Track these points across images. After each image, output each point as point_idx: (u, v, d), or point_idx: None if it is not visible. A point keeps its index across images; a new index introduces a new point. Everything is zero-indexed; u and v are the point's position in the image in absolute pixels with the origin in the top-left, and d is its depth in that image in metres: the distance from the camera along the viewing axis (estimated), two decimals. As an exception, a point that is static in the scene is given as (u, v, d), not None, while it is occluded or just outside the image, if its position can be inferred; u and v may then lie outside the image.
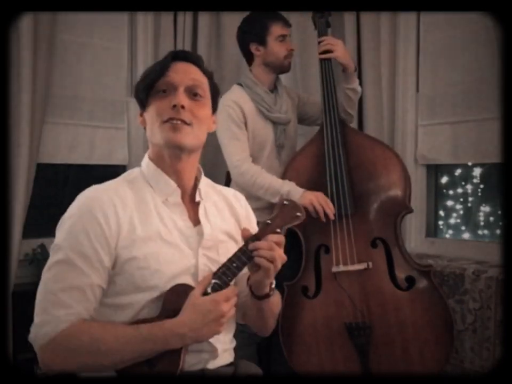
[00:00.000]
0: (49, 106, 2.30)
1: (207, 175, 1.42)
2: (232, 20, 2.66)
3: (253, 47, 2.31)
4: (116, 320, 1.19)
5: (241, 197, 1.47)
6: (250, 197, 2.25)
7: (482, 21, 2.18)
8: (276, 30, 2.27)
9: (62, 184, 2.62)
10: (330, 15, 2.32)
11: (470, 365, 2.20)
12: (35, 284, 2.31)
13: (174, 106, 1.22)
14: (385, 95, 2.61)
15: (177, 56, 1.29)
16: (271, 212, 2.21)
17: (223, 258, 1.27)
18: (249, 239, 1.23)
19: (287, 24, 2.30)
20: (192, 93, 1.26)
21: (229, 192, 1.46)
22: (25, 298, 2.08)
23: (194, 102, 1.26)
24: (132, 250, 1.18)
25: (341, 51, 2.20)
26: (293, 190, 2.13)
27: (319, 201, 2.08)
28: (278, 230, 1.25)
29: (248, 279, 1.31)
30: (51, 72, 2.28)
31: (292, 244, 2.14)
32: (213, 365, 1.26)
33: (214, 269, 1.26)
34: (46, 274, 1.17)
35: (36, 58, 2.14)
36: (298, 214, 1.27)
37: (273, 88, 2.36)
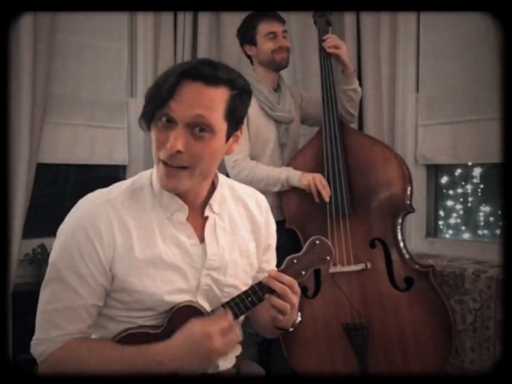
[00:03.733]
0: (49, 106, 2.30)
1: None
2: (232, 20, 2.66)
3: (246, 48, 2.35)
4: (115, 331, 1.17)
5: (263, 203, 1.35)
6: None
7: (482, 21, 2.18)
8: (263, 28, 2.28)
9: (62, 184, 2.61)
10: (331, 13, 2.32)
11: (470, 365, 2.20)
12: (35, 284, 2.31)
13: (167, 148, 1.07)
14: (385, 95, 2.61)
15: (187, 74, 1.07)
16: (277, 211, 2.25)
17: (230, 279, 1.23)
18: (271, 275, 1.17)
19: (276, 20, 2.29)
20: (197, 128, 1.08)
21: (251, 197, 1.34)
22: (25, 298, 2.08)
23: (196, 140, 1.08)
24: (129, 272, 1.13)
25: (345, 50, 2.22)
26: (290, 175, 2.16)
27: (315, 182, 2.10)
28: (303, 272, 1.18)
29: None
30: (51, 72, 2.28)
31: (292, 243, 2.14)
32: (213, 370, 1.24)
33: (217, 290, 1.22)
34: (43, 292, 1.16)
35: (35, 58, 2.14)
36: (327, 257, 1.19)
37: (277, 87, 2.37)
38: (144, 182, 1.21)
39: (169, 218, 1.19)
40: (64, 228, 1.16)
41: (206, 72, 1.08)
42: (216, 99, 1.09)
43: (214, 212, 1.23)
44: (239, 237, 1.28)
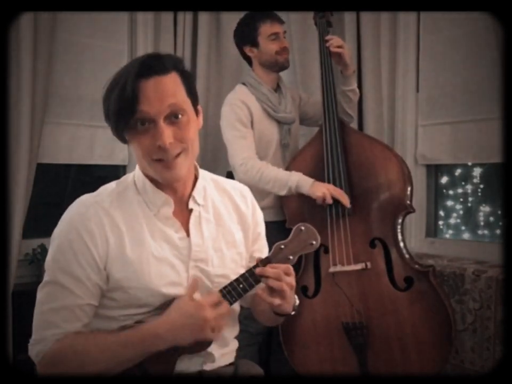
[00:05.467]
0: (49, 106, 2.30)
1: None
2: (232, 20, 2.66)
3: (247, 50, 2.33)
4: (112, 330, 1.18)
5: (248, 194, 1.41)
6: (255, 196, 2.26)
7: (482, 21, 2.18)
8: (265, 29, 2.27)
9: (62, 184, 2.62)
10: (332, 15, 2.32)
11: (470, 365, 2.20)
12: (35, 284, 2.31)
13: (159, 146, 1.13)
14: (385, 95, 2.61)
15: (141, 75, 1.12)
16: (276, 211, 2.26)
17: (219, 270, 1.26)
18: (260, 261, 1.22)
19: (277, 21, 2.29)
20: (173, 116, 1.14)
21: (235, 188, 1.39)
22: (25, 298, 2.08)
23: (177, 126, 1.15)
24: (122, 270, 1.16)
25: (348, 51, 2.22)
26: (301, 181, 2.11)
27: (331, 192, 2.06)
28: (291, 257, 1.23)
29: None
30: (51, 72, 2.28)
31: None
32: (210, 366, 1.26)
33: (207, 281, 1.24)
34: (39, 294, 1.18)
35: (35, 58, 2.14)
36: (313, 242, 1.24)
37: (276, 88, 2.36)
38: (128, 183, 1.26)
39: (156, 215, 1.22)
40: (58, 231, 1.19)
41: (155, 64, 1.14)
42: (174, 83, 1.15)
43: (198, 204, 1.27)
44: (224, 227, 1.31)
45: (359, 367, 2.02)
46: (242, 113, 2.21)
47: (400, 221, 2.10)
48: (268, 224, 2.27)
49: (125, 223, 1.19)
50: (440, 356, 1.97)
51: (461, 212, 2.60)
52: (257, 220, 1.41)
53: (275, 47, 2.27)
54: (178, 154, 1.15)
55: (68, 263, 1.14)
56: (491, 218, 2.49)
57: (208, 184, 1.33)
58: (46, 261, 1.19)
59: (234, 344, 1.35)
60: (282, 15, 2.36)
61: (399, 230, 2.08)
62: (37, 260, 2.28)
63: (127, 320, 1.18)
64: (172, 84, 1.15)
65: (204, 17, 2.67)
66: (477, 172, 2.55)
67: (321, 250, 2.12)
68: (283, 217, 2.24)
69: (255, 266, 1.22)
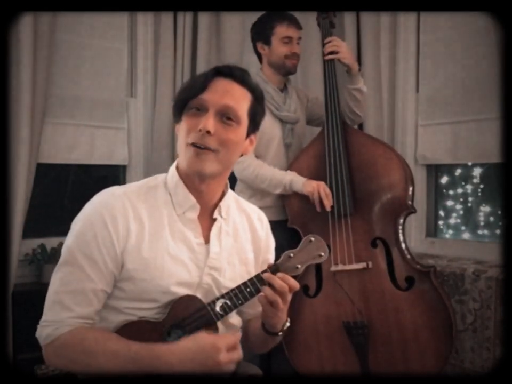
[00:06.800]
0: (49, 106, 2.30)
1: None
2: (232, 20, 2.66)
3: (259, 46, 2.34)
4: (117, 322, 1.19)
5: (264, 219, 1.45)
6: (255, 195, 2.27)
7: (482, 21, 2.19)
8: (281, 30, 2.27)
9: (62, 184, 2.62)
10: (335, 15, 2.32)
11: (470, 365, 2.20)
12: (35, 284, 2.31)
13: (200, 130, 1.18)
14: (385, 95, 2.61)
15: (221, 72, 1.23)
16: (276, 211, 2.26)
17: (229, 282, 1.27)
18: (270, 267, 1.24)
19: (295, 25, 2.29)
20: (225, 116, 1.20)
21: (253, 211, 1.43)
22: (25, 298, 2.09)
23: (224, 127, 1.20)
24: (137, 261, 1.18)
25: (346, 52, 2.21)
26: (295, 180, 2.16)
27: (319, 190, 2.10)
28: (299, 266, 1.25)
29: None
30: (51, 72, 2.28)
31: (294, 242, 2.14)
32: None
33: (216, 290, 1.26)
34: (55, 275, 1.19)
35: (35, 58, 2.14)
36: (321, 254, 1.27)
37: (283, 88, 2.37)
38: (159, 182, 1.29)
39: (180, 216, 1.25)
40: (82, 215, 1.22)
41: (236, 72, 1.24)
42: (243, 96, 1.24)
43: (221, 216, 1.31)
44: (240, 244, 1.35)
45: (359, 366, 2.02)
46: None
47: (401, 221, 2.10)
48: (269, 224, 2.26)
49: (148, 218, 1.22)
50: (440, 355, 1.97)
51: (461, 212, 2.60)
52: (269, 246, 1.44)
53: (285, 51, 2.27)
54: (211, 151, 1.19)
55: (88, 246, 1.16)
56: (491, 218, 2.49)
57: (231, 202, 1.37)
58: (65, 244, 1.20)
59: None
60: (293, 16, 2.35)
61: (400, 230, 2.09)
62: (37, 260, 2.28)
63: (131, 315, 1.19)
64: (240, 93, 1.23)
65: (204, 17, 2.66)
66: (477, 171, 2.55)
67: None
68: (284, 216, 2.24)
69: (263, 272, 1.23)
